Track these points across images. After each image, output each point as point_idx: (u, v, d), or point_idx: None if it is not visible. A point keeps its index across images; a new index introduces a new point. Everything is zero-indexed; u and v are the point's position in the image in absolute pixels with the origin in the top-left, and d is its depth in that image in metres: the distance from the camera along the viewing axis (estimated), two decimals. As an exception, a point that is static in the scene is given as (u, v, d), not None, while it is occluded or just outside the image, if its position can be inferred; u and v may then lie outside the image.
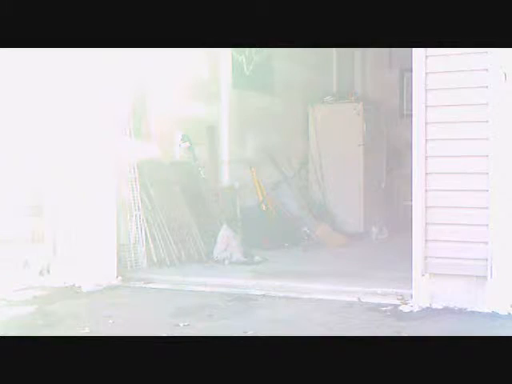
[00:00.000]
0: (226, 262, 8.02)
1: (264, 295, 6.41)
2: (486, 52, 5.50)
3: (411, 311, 5.70)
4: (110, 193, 7.24)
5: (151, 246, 7.75)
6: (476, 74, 5.63)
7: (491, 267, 5.56)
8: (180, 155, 8.73)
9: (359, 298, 6.13)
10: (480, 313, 5.54)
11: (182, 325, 5.34)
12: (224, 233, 8.30)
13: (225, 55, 9.40)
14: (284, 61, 10.19)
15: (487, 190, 5.57)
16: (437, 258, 5.79)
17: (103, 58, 7.04)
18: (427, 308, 5.75)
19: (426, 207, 5.79)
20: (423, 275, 5.82)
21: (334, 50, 11.29)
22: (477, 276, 5.65)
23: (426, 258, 5.81)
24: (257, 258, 8.14)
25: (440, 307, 5.73)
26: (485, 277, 5.60)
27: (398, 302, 5.91)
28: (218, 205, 8.91)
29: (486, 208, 5.58)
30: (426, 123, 5.77)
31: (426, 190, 5.79)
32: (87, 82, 7.13)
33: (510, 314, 5.48)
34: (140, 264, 7.62)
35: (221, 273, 7.43)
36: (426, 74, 5.75)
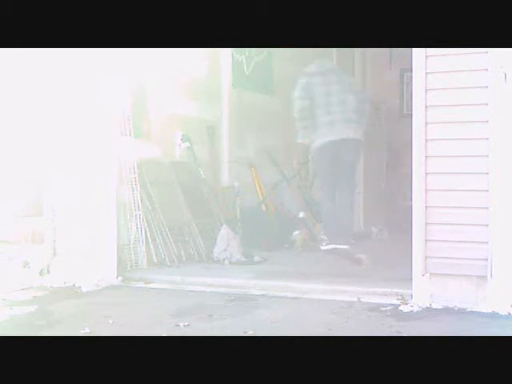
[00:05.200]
0: (226, 262, 8.02)
1: (264, 295, 6.41)
2: (486, 52, 5.50)
3: (411, 311, 5.70)
4: (110, 193, 7.23)
5: (151, 246, 7.75)
6: (476, 74, 5.63)
7: (491, 267, 5.56)
8: (180, 155, 8.74)
9: (359, 298, 6.13)
10: (480, 313, 5.54)
11: (182, 325, 5.33)
12: (224, 233, 8.30)
13: (225, 55, 9.40)
14: (284, 61, 10.19)
15: (487, 190, 5.57)
16: (437, 258, 5.79)
17: (103, 58, 7.05)
18: (427, 308, 5.75)
19: (426, 207, 5.79)
20: (423, 275, 5.82)
21: (334, 50, 11.29)
22: (477, 276, 5.65)
23: (426, 257, 5.81)
24: (257, 258, 8.14)
25: (440, 307, 5.73)
26: (485, 277, 5.60)
27: (397, 302, 5.91)
28: (217, 205, 8.91)
29: (486, 208, 5.58)
30: (426, 123, 5.77)
31: (426, 190, 5.79)
32: (87, 82, 7.13)
33: (510, 313, 5.48)
34: (140, 264, 7.61)
35: (221, 273, 7.43)
36: (426, 73, 5.75)
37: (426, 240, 5.80)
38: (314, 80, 6.93)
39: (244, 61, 9.76)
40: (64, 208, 7.28)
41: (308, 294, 6.34)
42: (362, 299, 6.10)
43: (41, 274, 7.26)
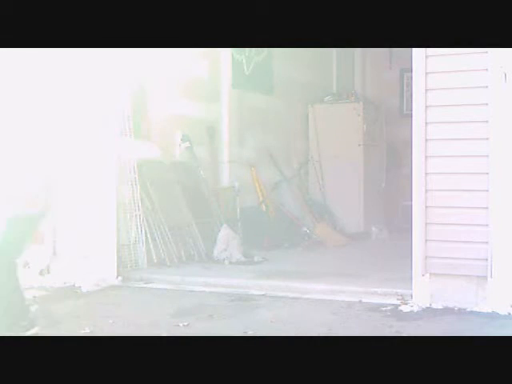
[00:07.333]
0: (226, 262, 8.02)
1: (264, 295, 6.41)
2: (486, 52, 5.50)
3: (411, 311, 5.70)
4: (110, 193, 7.24)
5: (151, 246, 7.76)
6: (476, 74, 5.63)
7: (491, 267, 5.56)
8: (180, 155, 8.74)
9: (359, 298, 6.13)
10: (480, 313, 5.54)
11: (181, 325, 5.33)
12: (224, 233, 8.30)
13: (225, 55, 9.40)
14: (284, 61, 10.19)
15: (487, 190, 5.57)
16: (437, 257, 5.79)
17: (104, 58, 7.05)
18: (427, 308, 5.75)
19: (426, 207, 5.79)
20: (423, 275, 5.82)
21: (333, 49, 11.30)
22: (477, 276, 5.65)
23: (426, 257, 5.81)
24: (257, 258, 8.14)
25: (440, 307, 5.73)
26: (485, 277, 5.60)
27: (398, 302, 5.91)
28: (217, 205, 8.91)
29: (486, 208, 5.58)
30: (426, 123, 5.77)
31: (426, 190, 5.79)
32: (87, 82, 7.13)
33: (510, 314, 5.48)
34: (140, 264, 7.62)
35: (221, 273, 7.43)
36: (426, 73, 5.75)
37: (426, 240, 5.80)
38: None
39: (244, 61, 9.76)
40: (64, 208, 7.27)
41: (308, 294, 6.34)
42: (362, 299, 6.10)
43: (41, 274, 7.26)
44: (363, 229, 10.52)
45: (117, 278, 7.13)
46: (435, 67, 5.74)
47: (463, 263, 5.69)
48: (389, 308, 5.81)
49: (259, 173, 9.77)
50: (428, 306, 5.78)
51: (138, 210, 7.67)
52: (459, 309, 5.66)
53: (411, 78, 5.96)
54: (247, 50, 9.74)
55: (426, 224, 5.79)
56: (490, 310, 5.55)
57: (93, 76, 7.12)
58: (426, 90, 5.76)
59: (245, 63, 9.78)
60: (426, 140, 5.77)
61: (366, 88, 12.19)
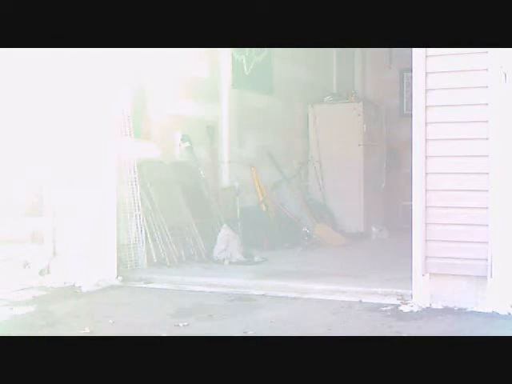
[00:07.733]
0: (226, 262, 8.02)
1: (264, 295, 6.41)
2: (486, 52, 5.50)
3: (411, 311, 5.70)
4: (110, 193, 7.23)
5: (151, 246, 7.76)
6: (476, 74, 5.63)
7: (491, 267, 5.56)
8: (180, 155, 8.74)
9: (359, 298, 6.13)
10: (480, 313, 5.54)
11: (181, 325, 5.33)
12: (224, 233, 8.30)
13: (225, 55, 9.41)
14: (284, 61, 10.20)
15: (487, 190, 5.57)
16: (437, 257, 5.79)
17: (103, 58, 7.05)
18: (427, 308, 5.75)
19: (426, 207, 5.79)
20: (423, 275, 5.82)
21: (333, 49, 11.30)
22: (477, 276, 5.65)
23: (426, 257, 5.81)
24: (257, 258, 8.14)
25: (440, 307, 5.73)
26: (485, 277, 5.60)
27: (398, 302, 5.91)
28: (217, 205, 8.92)
29: (486, 208, 5.58)
30: (426, 123, 5.77)
31: (426, 190, 5.79)
32: (87, 82, 7.13)
33: (510, 314, 5.48)
34: (140, 264, 7.62)
35: (221, 273, 7.43)
36: (426, 73, 5.75)
37: (425, 240, 5.80)
38: None
39: (244, 61, 9.77)
40: (64, 208, 7.28)
41: (308, 294, 6.34)
42: (362, 299, 6.10)
43: (41, 274, 7.26)
44: (363, 229, 10.52)
45: (117, 277, 7.13)
46: (435, 67, 5.74)
47: (463, 263, 5.69)
48: (389, 308, 5.81)
49: (259, 173, 9.77)
50: (428, 306, 5.78)
51: (138, 210, 7.68)
52: (459, 309, 5.66)
53: (411, 77, 5.96)
54: (247, 50, 9.74)
55: (426, 224, 5.79)
56: (489, 310, 5.55)
57: (93, 76, 7.12)
58: (426, 90, 5.76)
59: (245, 63, 9.79)
60: (426, 140, 5.77)
61: (366, 88, 12.20)
